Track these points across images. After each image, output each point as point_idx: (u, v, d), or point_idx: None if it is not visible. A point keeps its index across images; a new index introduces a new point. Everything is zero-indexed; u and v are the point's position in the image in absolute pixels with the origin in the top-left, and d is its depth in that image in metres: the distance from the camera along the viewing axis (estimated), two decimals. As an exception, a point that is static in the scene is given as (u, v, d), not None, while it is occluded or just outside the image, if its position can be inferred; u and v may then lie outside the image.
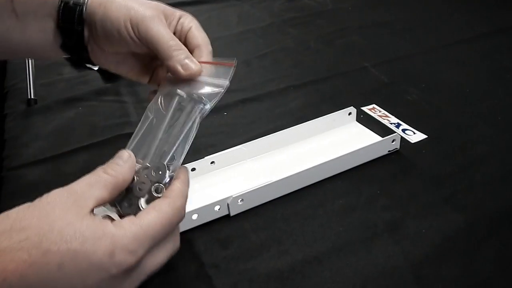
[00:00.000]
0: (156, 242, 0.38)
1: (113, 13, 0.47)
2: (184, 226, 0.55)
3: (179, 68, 0.47)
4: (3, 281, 0.32)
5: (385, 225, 0.55)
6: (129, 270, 0.36)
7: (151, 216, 0.38)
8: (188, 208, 0.55)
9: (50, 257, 0.33)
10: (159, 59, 0.48)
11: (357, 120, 0.75)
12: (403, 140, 0.69)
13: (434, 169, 0.64)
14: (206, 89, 0.48)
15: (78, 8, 0.48)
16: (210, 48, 0.50)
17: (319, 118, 0.71)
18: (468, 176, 0.62)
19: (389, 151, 0.67)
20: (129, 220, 0.37)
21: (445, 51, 0.97)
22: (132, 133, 0.78)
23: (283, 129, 0.69)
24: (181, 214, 0.41)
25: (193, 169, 0.64)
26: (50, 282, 0.34)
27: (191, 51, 0.49)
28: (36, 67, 0.94)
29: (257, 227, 0.56)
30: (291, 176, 0.60)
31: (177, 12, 0.50)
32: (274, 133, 0.69)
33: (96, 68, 0.98)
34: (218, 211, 0.57)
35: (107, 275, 0.35)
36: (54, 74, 1.00)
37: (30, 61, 0.93)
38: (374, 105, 0.79)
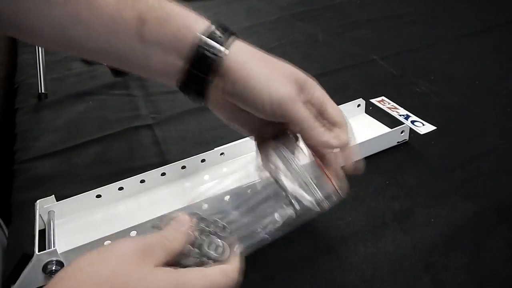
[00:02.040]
0: None
1: (253, 80, 0.44)
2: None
3: (321, 145, 0.46)
4: None
5: (394, 214, 0.56)
6: None
7: (217, 277, 0.36)
8: (198, 198, 0.56)
9: None
10: (299, 134, 0.47)
11: (366, 112, 0.75)
12: (412, 131, 0.69)
13: (443, 160, 0.64)
14: (306, 199, 0.45)
15: (215, 60, 0.43)
16: (350, 125, 0.48)
17: (327, 109, 0.71)
18: (476, 166, 0.62)
19: (398, 142, 0.67)
20: (197, 273, 0.36)
21: (454, 44, 0.96)
22: (140, 126, 0.79)
23: (292, 120, 0.69)
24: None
25: (203, 160, 0.64)
26: None
27: (330, 129, 0.47)
28: (46, 62, 0.95)
29: (266, 217, 0.57)
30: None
31: (308, 84, 0.47)
32: (283, 125, 0.69)
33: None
34: (228, 202, 0.58)
35: None
36: (64, 69, 1.01)
37: (40, 56, 0.94)
38: (383, 97, 0.79)
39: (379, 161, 0.64)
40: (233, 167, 0.65)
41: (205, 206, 0.56)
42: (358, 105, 0.74)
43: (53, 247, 0.50)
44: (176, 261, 0.37)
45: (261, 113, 0.45)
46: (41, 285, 0.50)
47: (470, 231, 0.53)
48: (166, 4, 0.45)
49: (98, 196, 0.60)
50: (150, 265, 0.34)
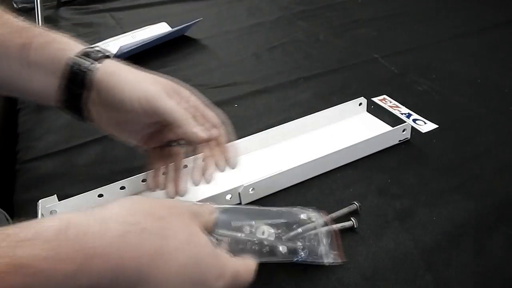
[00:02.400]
0: None
1: (126, 91, 0.49)
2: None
3: (191, 135, 0.51)
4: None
5: (395, 213, 0.56)
6: None
7: (245, 267, 0.43)
8: (200, 197, 0.56)
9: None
10: (172, 127, 0.51)
11: (367, 111, 0.75)
12: (413, 130, 0.69)
13: (445, 158, 0.64)
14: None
15: (86, 73, 0.50)
16: (225, 128, 0.55)
17: (329, 108, 0.72)
18: (478, 164, 0.62)
19: (399, 140, 0.67)
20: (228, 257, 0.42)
21: (456, 42, 0.96)
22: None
23: (293, 120, 0.70)
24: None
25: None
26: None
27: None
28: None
29: (268, 216, 0.57)
30: (301, 165, 0.60)
31: (181, 90, 0.54)
32: (285, 124, 0.69)
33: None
34: (230, 200, 0.58)
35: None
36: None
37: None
38: (384, 96, 0.79)
39: (380, 159, 0.64)
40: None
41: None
42: (360, 104, 0.74)
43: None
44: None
45: (134, 113, 0.50)
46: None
47: (472, 229, 0.53)
48: (49, 32, 0.52)
49: (100, 195, 0.60)
50: (197, 226, 0.40)
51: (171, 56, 1.02)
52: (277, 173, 0.59)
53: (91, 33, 1.18)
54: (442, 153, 0.65)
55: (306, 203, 0.57)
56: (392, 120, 0.72)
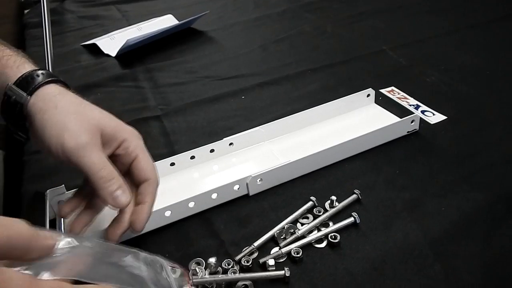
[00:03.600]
0: None
1: (47, 130, 0.46)
2: (204, 205, 0.56)
3: (109, 200, 0.45)
4: None
5: (404, 203, 0.55)
6: None
7: None
8: (208, 188, 0.56)
9: None
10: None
11: (375, 102, 0.74)
12: (422, 121, 0.68)
13: (454, 149, 0.63)
14: None
15: (18, 105, 0.47)
16: (157, 181, 0.50)
17: (337, 99, 0.71)
18: (487, 156, 0.62)
19: (408, 132, 0.66)
20: None
21: (465, 34, 0.95)
22: (149, 117, 0.79)
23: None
24: None
25: (212, 151, 0.64)
26: None
27: (139, 183, 0.49)
28: (54, 55, 0.95)
29: (276, 206, 0.57)
30: (309, 156, 0.60)
31: (120, 135, 0.48)
32: (292, 115, 0.69)
33: (113, 54, 0.99)
34: (238, 191, 0.58)
35: None
36: (72, 61, 1.02)
37: (48, 49, 0.94)
38: (392, 87, 0.78)
39: (389, 151, 0.64)
40: (242, 157, 0.65)
41: (214, 195, 0.56)
42: (368, 95, 0.73)
43: (64, 235, 0.50)
44: None
45: (58, 161, 0.46)
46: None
47: (481, 220, 0.52)
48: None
49: (108, 185, 0.60)
50: None
51: (177, 48, 1.02)
52: (284, 163, 0.59)
53: (97, 25, 1.18)
54: (451, 144, 0.65)
55: (314, 194, 0.57)
56: (400, 111, 0.71)
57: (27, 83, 0.48)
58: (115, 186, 0.45)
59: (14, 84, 0.48)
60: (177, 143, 0.71)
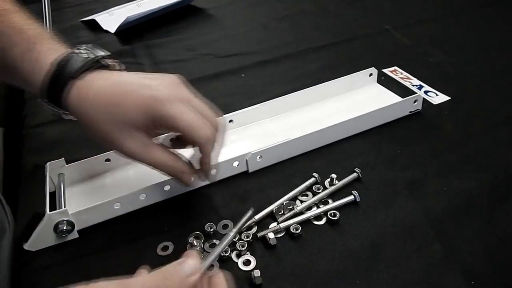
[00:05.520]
0: None
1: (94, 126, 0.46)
2: (203, 181, 0.56)
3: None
4: None
5: (405, 183, 0.55)
6: None
7: None
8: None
9: None
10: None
11: (378, 82, 0.73)
12: (425, 101, 0.67)
13: (457, 130, 0.63)
14: None
15: (63, 91, 0.46)
16: (208, 137, 0.48)
17: (339, 78, 0.70)
18: (490, 136, 0.61)
19: (410, 112, 0.66)
20: None
21: (470, 14, 0.94)
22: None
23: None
24: None
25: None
26: None
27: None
28: (53, 31, 0.93)
29: (275, 183, 0.56)
30: (310, 134, 0.59)
31: (157, 104, 0.46)
32: (293, 93, 0.68)
33: (113, 31, 0.98)
34: (237, 167, 0.57)
35: None
36: (71, 37, 0.99)
37: (47, 25, 0.92)
38: (395, 67, 0.77)
39: (390, 130, 0.63)
40: (241, 134, 0.65)
41: (214, 171, 0.56)
42: (370, 75, 0.72)
43: (64, 208, 0.50)
44: None
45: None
46: (51, 244, 0.50)
47: (483, 200, 0.52)
48: (31, 36, 0.48)
49: (107, 160, 0.59)
50: None
51: (177, 25, 1.00)
52: (285, 141, 0.58)
53: (96, 1, 1.16)
54: (454, 124, 0.64)
55: (313, 171, 0.57)
56: (403, 91, 0.71)
57: (66, 67, 0.46)
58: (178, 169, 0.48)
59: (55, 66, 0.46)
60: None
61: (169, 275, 0.35)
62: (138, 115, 0.45)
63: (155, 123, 0.46)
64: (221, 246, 0.44)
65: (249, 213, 0.49)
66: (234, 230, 0.46)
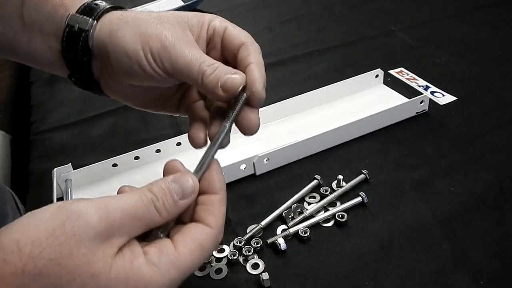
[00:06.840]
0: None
1: (128, 44, 0.38)
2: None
3: (221, 88, 0.37)
4: None
5: (412, 183, 0.55)
6: None
7: (189, 254, 0.32)
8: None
9: None
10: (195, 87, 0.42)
11: (384, 83, 0.73)
12: (431, 102, 0.67)
13: (464, 130, 0.63)
14: None
15: (83, 34, 0.39)
16: (256, 44, 0.42)
17: (345, 80, 0.70)
18: (497, 136, 0.61)
19: (417, 112, 0.65)
20: (165, 258, 0.31)
21: (475, 14, 0.93)
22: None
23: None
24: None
25: (218, 130, 0.64)
26: None
27: (235, 53, 0.41)
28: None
29: (282, 185, 0.56)
30: (317, 136, 0.59)
31: (206, 18, 0.42)
32: (300, 95, 0.68)
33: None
34: (244, 170, 0.57)
35: None
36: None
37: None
38: (401, 68, 0.77)
39: (397, 131, 0.63)
40: (249, 137, 0.65)
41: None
42: (377, 76, 0.72)
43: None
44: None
45: (149, 76, 0.39)
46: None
47: (490, 199, 0.52)
48: None
49: (114, 165, 0.60)
50: (108, 256, 0.29)
51: (183, 29, 1.01)
52: (292, 143, 0.58)
53: (103, 7, 1.17)
54: (461, 125, 0.64)
55: (321, 173, 0.57)
56: (410, 92, 0.70)
57: (91, 10, 0.40)
58: (222, 71, 0.38)
59: (77, 13, 0.40)
60: (183, 123, 0.70)
61: (159, 196, 0.30)
62: (197, 28, 0.40)
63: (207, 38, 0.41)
64: (213, 149, 0.39)
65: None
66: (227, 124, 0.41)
